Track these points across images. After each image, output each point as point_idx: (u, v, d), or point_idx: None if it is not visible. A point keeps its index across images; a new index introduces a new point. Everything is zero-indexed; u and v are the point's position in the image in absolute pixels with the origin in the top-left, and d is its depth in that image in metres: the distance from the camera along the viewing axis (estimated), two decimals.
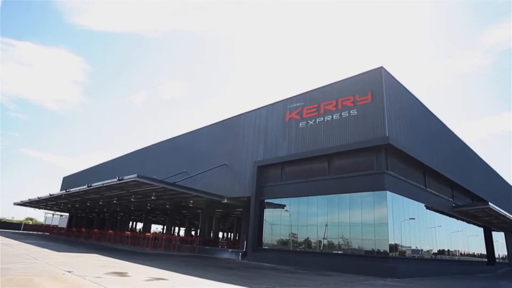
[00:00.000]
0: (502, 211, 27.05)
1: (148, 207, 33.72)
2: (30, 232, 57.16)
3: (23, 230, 62.01)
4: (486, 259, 30.87)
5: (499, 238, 35.35)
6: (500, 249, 35.07)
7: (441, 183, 24.60)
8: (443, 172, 23.64)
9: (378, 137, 17.66)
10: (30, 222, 78.27)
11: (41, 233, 53.80)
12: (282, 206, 21.89)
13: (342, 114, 19.77)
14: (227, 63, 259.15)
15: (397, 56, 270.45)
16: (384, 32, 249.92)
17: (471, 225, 29.02)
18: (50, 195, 34.10)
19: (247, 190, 23.90)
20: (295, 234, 20.61)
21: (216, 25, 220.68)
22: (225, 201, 24.69)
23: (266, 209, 22.85)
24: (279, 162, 22.60)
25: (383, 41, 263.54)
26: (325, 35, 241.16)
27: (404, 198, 18.36)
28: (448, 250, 23.16)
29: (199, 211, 32.38)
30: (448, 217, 24.48)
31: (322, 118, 20.71)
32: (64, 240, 32.98)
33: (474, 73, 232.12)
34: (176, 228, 66.44)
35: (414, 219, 18.85)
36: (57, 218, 64.82)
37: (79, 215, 53.81)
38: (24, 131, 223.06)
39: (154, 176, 23.78)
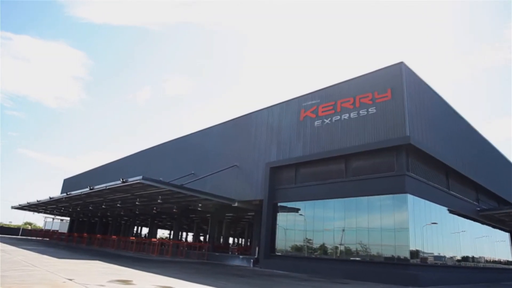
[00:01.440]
0: None
1: (154, 211, 33.99)
2: (29, 237, 57.81)
3: (21, 235, 62.78)
4: None
5: None
6: None
7: (465, 185, 24.56)
8: (467, 174, 23.61)
9: (398, 137, 17.72)
10: (29, 227, 79.21)
11: (40, 238, 54.54)
12: (297, 210, 22.06)
13: (360, 112, 19.86)
14: (237, 57, 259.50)
15: (418, 51, 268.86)
16: (405, 26, 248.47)
17: (497, 230, 28.88)
18: (50, 198, 34.20)
19: (259, 193, 24.08)
20: (310, 239, 20.76)
21: (226, 17, 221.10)
22: (236, 204, 24.80)
23: (279, 213, 23.02)
24: (293, 163, 22.75)
25: (403, 36, 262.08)
26: (343, 29, 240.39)
27: (425, 201, 18.41)
28: (473, 256, 23.11)
29: (208, 215, 32.59)
30: (472, 221, 24.43)
31: (339, 117, 20.83)
32: (65, 246, 33.44)
33: (499, 69, 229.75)
34: (184, 233, 66.90)
35: (436, 223, 18.87)
36: (58, 223, 65.70)
37: (80, 219, 54.39)
38: (22, 130, 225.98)
39: (160, 178, 23.96)
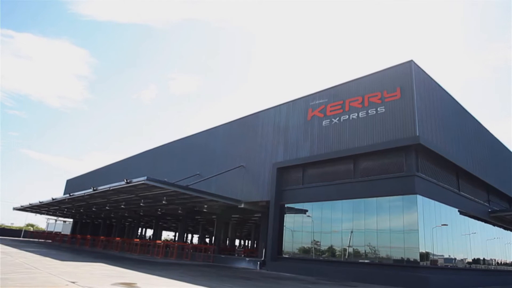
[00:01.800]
0: None
1: (158, 213, 34.15)
2: (31, 239, 58.04)
3: (23, 237, 63.17)
4: None
5: None
6: None
7: (476, 186, 24.52)
8: (478, 175, 23.57)
9: (407, 137, 17.75)
10: (31, 229, 79.80)
11: (43, 240, 54.87)
12: (304, 211, 22.11)
13: (369, 111, 19.91)
14: (245, 56, 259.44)
15: (427, 49, 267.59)
16: (414, 25, 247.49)
17: (509, 232, 28.83)
18: (53, 199, 34.48)
19: (266, 194, 24.16)
20: (317, 241, 20.82)
21: (232, 14, 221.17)
22: (242, 205, 24.95)
23: (287, 215, 23.09)
24: (300, 164, 22.82)
25: (412, 34, 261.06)
26: (352, 27, 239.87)
27: (435, 202, 18.41)
28: (484, 258, 23.09)
29: (214, 216, 32.76)
30: (483, 223, 24.39)
31: (347, 116, 20.89)
32: (68, 248, 33.59)
33: (508, 68, 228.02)
34: (189, 235, 67.11)
35: (446, 225, 18.88)
36: (60, 224, 66.03)
37: (84, 221, 54.74)
38: (23, 130, 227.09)
39: (165, 179, 24.09)
